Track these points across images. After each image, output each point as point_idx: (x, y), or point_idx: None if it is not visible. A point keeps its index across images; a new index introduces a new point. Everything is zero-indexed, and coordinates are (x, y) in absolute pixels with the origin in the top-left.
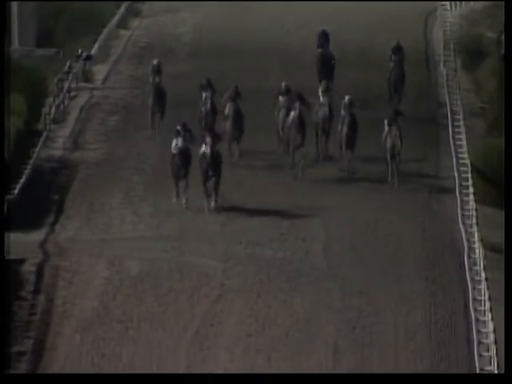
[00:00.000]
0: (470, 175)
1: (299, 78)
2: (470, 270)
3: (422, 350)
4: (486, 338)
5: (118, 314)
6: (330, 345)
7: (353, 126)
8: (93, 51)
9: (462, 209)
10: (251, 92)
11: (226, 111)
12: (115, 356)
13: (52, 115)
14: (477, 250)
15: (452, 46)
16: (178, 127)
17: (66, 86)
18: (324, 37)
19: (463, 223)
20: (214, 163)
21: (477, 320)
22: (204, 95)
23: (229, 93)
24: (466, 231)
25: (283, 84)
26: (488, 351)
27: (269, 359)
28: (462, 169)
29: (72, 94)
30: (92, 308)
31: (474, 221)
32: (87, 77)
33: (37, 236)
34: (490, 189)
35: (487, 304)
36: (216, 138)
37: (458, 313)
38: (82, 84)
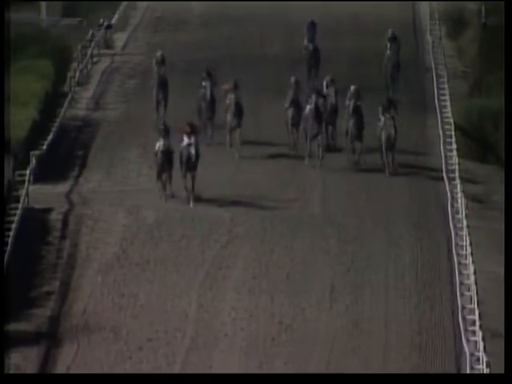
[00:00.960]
0: (453, 133)
1: (300, 45)
2: (453, 218)
3: (409, 289)
4: (468, 279)
5: (135, 257)
6: (326, 285)
7: (360, 116)
8: (113, 21)
9: (446, 163)
10: (256, 58)
11: (227, 102)
12: (133, 295)
13: (76, 78)
14: (459, 200)
15: (437, 16)
16: (161, 127)
17: (89, 52)
18: (312, 28)
19: (447, 176)
20: (195, 157)
21: (459, 263)
22: (204, 86)
23: (229, 85)
24: (449, 183)
25: (292, 78)
26: (469, 291)
27: (272, 299)
28: (446, 127)
29: (94, 59)
30: (112, 252)
31: (457, 174)
32: (108, 44)
33: (62, 188)
34: (472, 145)
35: (468, 249)
36: (195, 132)
37: (442, 256)
38: (104, 50)
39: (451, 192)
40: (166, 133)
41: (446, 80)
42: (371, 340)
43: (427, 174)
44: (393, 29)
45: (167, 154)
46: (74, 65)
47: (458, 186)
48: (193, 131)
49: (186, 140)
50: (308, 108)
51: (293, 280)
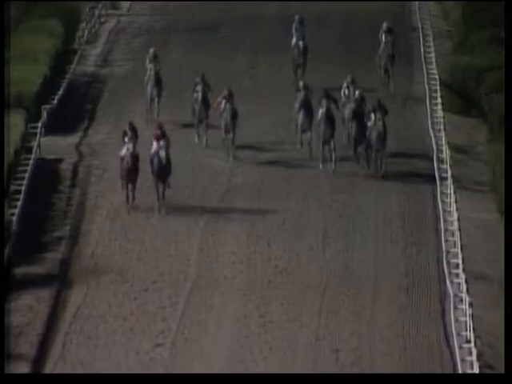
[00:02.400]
0: (438, 88)
1: (295, 6)
2: (438, 168)
3: (397, 235)
4: (452, 225)
5: (141, 205)
6: (320, 231)
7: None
8: None
9: (432, 116)
10: (254, 18)
11: (222, 107)
12: (139, 240)
13: (85, 37)
14: (444, 151)
15: None
16: (127, 128)
17: (97, 12)
18: (300, 25)
19: (433, 128)
20: (167, 164)
21: (444, 210)
22: (197, 90)
23: (223, 94)
24: (435, 136)
25: (301, 82)
26: (453, 236)
27: (268, 244)
28: (431, 82)
29: (102, 19)
30: (119, 200)
31: (442, 127)
32: (115, 5)
33: (72, 139)
34: (456, 99)
35: (453, 197)
36: (164, 136)
37: (428, 205)
38: (110, 11)
39: (436, 144)
40: (133, 135)
41: (431, 39)
42: (361, 282)
43: (414, 126)
44: (388, 22)
45: (134, 158)
46: (83, 25)
47: (443, 138)
48: (162, 135)
49: (155, 145)
50: (320, 112)
51: (288, 226)
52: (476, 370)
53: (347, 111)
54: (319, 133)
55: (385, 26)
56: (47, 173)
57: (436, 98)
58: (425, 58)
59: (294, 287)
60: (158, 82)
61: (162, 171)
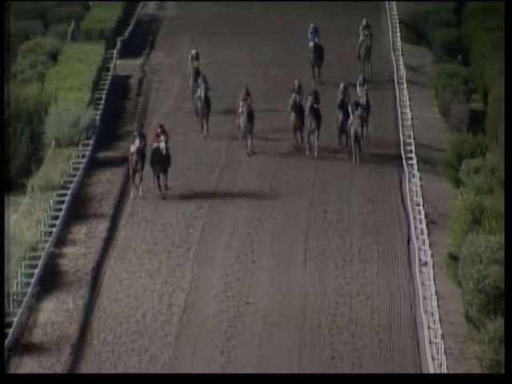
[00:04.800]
0: (398, 25)
1: None
2: (398, 82)
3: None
4: (407, 122)
5: (186, 108)
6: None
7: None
8: None
9: (393, 45)
10: None
11: (240, 109)
12: (184, 134)
13: None
14: (401, 69)
15: None
16: (135, 133)
17: None
18: (314, 31)
19: (393, 53)
20: (168, 157)
21: (401, 112)
22: (199, 89)
23: (241, 93)
24: (395, 59)
25: (296, 82)
26: (408, 130)
27: (278, 140)
28: (393, 21)
29: None
30: (171, 105)
31: (400, 52)
32: None
33: (138, 61)
34: (410, 33)
35: (408, 102)
36: (164, 133)
37: (390, 109)
38: None
39: (396, 63)
40: (140, 138)
41: None
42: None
43: (380, 53)
44: (366, 19)
45: (141, 154)
46: None
47: (401, 59)
48: (162, 132)
49: (155, 143)
50: (307, 108)
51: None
52: (424, 225)
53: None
54: (306, 124)
55: (364, 22)
56: (120, 85)
57: (396, 32)
58: (388, 3)
59: (298, 172)
60: (198, 76)
61: (163, 162)
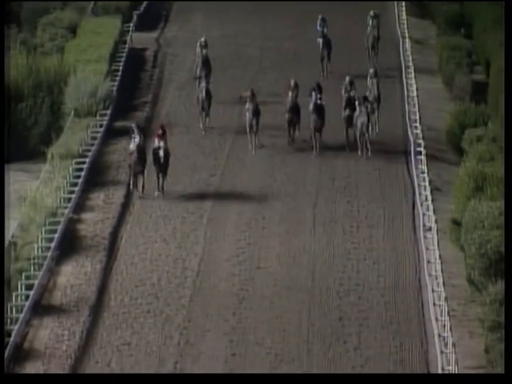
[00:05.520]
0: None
1: None
2: (404, 53)
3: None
4: (412, 93)
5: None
6: None
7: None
8: None
9: (398, 19)
10: None
11: (246, 107)
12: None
13: None
14: (407, 42)
15: None
16: (133, 126)
17: None
18: (323, 23)
19: (399, 27)
20: (166, 156)
21: (407, 83)
22: (200, 85)
23: (246, 94)
24: (400, 31)
25: (292, 80)
26: (413, 102)
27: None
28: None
29: None
30: (185, 76)
31: (406, 26)
32: None
33: (154, 34)
34: (415, 8)
35: (413, 73)
36: (165, 134)
37: (396, 81)
38: None
39: (402, 34)
40: (139, 132)
41: None
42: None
43: (386, 26)
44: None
45: (142, 152)
46: None
47: (406, 32)
48: (163, 133)
49: (156, 142)
50: (311, 104)
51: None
52: (428, 192)
53: (370, 98)
54: (310, 121)
55: (372, 12)
56: (136, 57)
57: (402, 6)
58: None
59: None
60: (207, 63)
61: (163, 162)
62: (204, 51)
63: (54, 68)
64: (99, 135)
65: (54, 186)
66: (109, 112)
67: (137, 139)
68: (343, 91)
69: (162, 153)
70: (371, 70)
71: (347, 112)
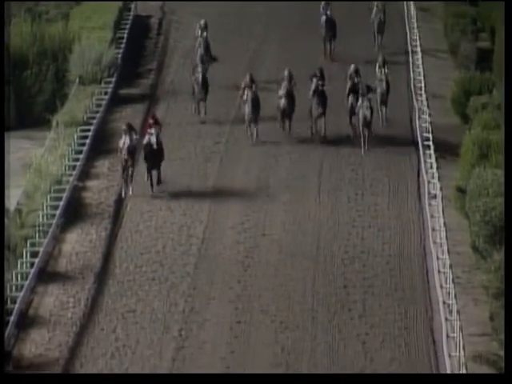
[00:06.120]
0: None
1: None
2: (408, 21)
3: None
4: (418, 61)
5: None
6: None
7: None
8: None
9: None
10: None
11: (244, 97)
12: None
13: None
14: (412, 9)
15: None
16: (123, 127)
17: None
18: (326, 6)
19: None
20: (160, 151)
21: (412, 50)
22: (196, 72)
23: (245, 80)
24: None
25: (286, 70)
26: (419, 75)
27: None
28: None
29: None
30: (189, 44)
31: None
32: None
33: (158, 2)
34: None
35: (418, 39)
36: (157, 124)
37: (402, 46)
38: None
39: (407, 5)
40: (129, 130)
41: None
42: None
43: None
44: None
45: (132, 150)
46: None
47: (412, 3)
48: (155, 122)
49: (146, 137)
50: (311, 91)
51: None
52: (433, 159)
53: (379, 89)
54: (312, 109)
55: None
56: (141, 25)
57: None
58: None
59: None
60: (207, 46)
61: (154, 156)
62: (204, 33)
63: (58, 35)
64: (104, 102)
65: (58, 153)
66: (113, 79)
67: (127, 137)
68: (348, 79)
69: (153, 144)
70: (380, 59)
71: (350, 100)
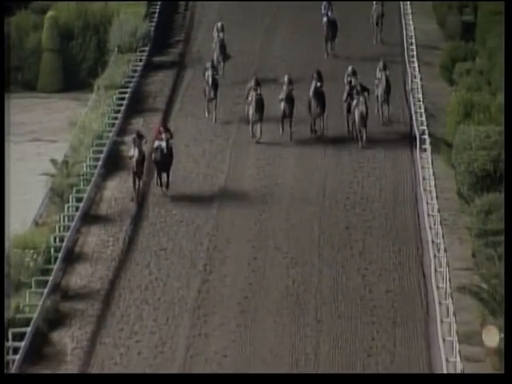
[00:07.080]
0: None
1: None
2: (404, 16)
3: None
4: (411, 38)
5: (235, 19)
6: None
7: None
8: None
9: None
10: None
11: (249, 98)
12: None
13: None
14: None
15: None
16: (133, 136)
17: None
18: (328, 5)
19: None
20: (169, 156)
21: (406, 29)
22: (207, 74)
23: (250, 83)
24: (405, 25)
25: (286, 76)
26: (412, 45)
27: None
28: None
29: None
30: (215, 19)
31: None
32: None
33: None
34: None
35: (411, 23)
36: (167, 131)
37: (396, 27)
38: None
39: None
40: (140, 140)
41: None
42: None
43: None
44: None
45: (142, 161)
46: None
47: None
48: (165, 130)
49: (156, 142)
50: (310, 91)
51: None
52: (424, 118)
53: (380, 89)
54: (311, 109)
55: None
56: (171, 1)
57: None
58: None
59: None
60: (223, 47)
61: (164, 161)
62: (221, 35)
63: (99, 11)
64: (139, 68)
65: (100, 112)
66: (147, 48)
67: (136, 149)
68: (345, 80)
69: (163, 149)
70: (381, 63)
71: (348, 100)
